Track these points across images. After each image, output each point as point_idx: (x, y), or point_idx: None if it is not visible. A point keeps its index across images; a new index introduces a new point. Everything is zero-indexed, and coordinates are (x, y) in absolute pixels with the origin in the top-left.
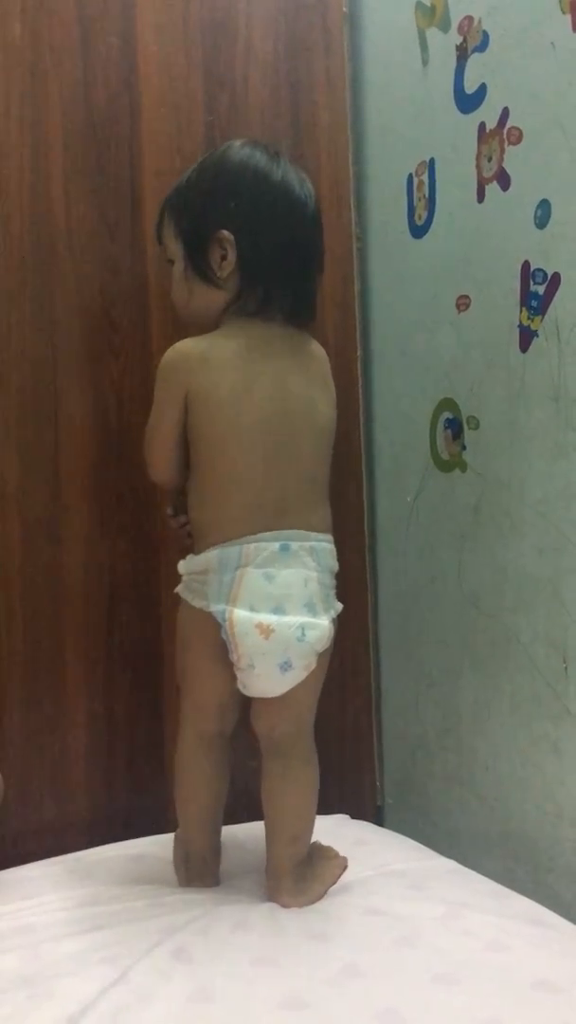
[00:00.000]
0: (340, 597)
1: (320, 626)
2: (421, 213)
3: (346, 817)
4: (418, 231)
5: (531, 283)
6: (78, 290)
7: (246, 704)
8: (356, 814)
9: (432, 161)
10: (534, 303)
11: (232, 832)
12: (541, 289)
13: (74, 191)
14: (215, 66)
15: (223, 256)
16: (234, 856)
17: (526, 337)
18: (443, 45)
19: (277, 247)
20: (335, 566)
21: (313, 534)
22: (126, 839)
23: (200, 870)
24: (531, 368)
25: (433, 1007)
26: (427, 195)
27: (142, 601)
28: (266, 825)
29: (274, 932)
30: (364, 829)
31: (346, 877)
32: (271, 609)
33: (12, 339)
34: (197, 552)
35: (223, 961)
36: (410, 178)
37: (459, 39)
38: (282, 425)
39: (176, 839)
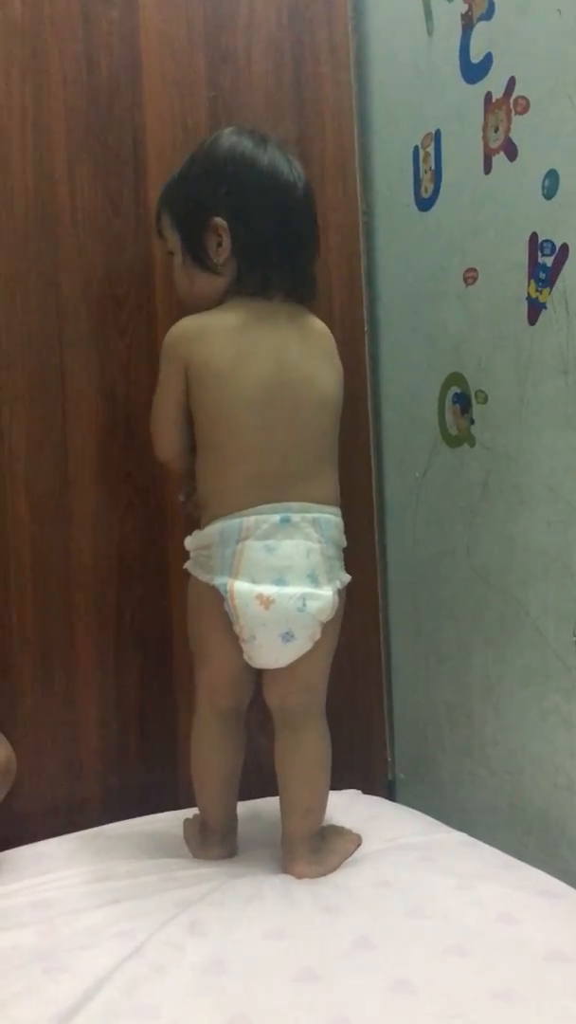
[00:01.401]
0: (349, 573)
1: (322, 596)
2: (427, 185)
3: (358, 792)
4: (424, 204)
5: (539, 255)
6: (83, 268)
7: (260, 680)
8: (368, 789)
9: (438, 132)
10: (542, 275)
11: (245, 807)
12: (549, 261)
13: (77, 168)
14: (217, 40)
15: (218, 243)
16: (247, 830)
17: (534, 310)
18: (448, 14)
19: (270, 229)
20: (341, 539)
21: (315, 506)
22: (139, 815)
23: (217, 841)
24: (539, 341)
25: (445, 978)
26: (433, 167)
27: (152, 578)
28: (280, 797)
29: (287, 905)
30: (376, 803)
31: (359, 851)
32: (272, 580)
33: (18, 318)
34: (202, 527)
35: (237, 934)
36: (416, 150)
37: (464, 7)
38: (282, 396)
39: (186, 821)
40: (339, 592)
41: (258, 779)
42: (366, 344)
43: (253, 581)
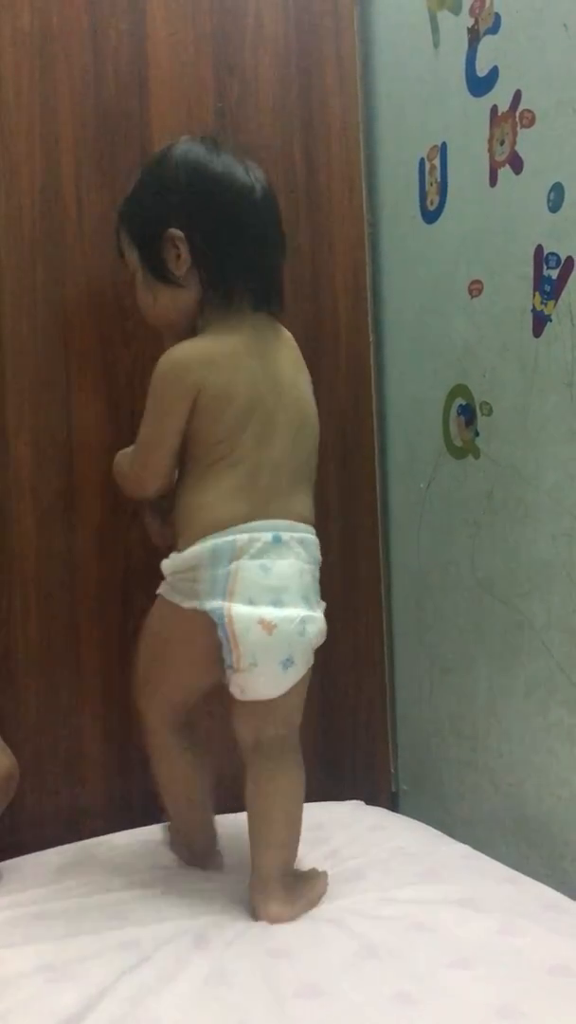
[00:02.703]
0: (354, 584)
1: (317, 620)
2: (433, 198)
3: (361, 803)
4: (430, 216)
5: (544, 267)
6: (89, 277)
7: (229, 711)
8: (371, 800)
9: (444, 145)
10: (547, 287)
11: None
12: (554, 273)
13: (84, 178)
14: (224, 51)
15: (177, 255)
16: (247, 840)
17: (539, 322)
18: (455, 27)
19: (228, 237)
20: (320, 559)
21: (300, 525)
22: (143, 825)
23: (203, 855)
24: (544, 353)
25: (448, 992)
26: (439, 179)
27: (156, 586)
28: (253, 832)
29: None
30: (379, 815)
31: (362, 862)
32: (270, 601)
33: (24, 326)
34: (182, 548)
35: (240, 947)
36: (422, 162)
37: (471, 21)
38: (274, 415)
39: (168, 828)
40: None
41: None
42: (371, 355)
43: (251, 603)
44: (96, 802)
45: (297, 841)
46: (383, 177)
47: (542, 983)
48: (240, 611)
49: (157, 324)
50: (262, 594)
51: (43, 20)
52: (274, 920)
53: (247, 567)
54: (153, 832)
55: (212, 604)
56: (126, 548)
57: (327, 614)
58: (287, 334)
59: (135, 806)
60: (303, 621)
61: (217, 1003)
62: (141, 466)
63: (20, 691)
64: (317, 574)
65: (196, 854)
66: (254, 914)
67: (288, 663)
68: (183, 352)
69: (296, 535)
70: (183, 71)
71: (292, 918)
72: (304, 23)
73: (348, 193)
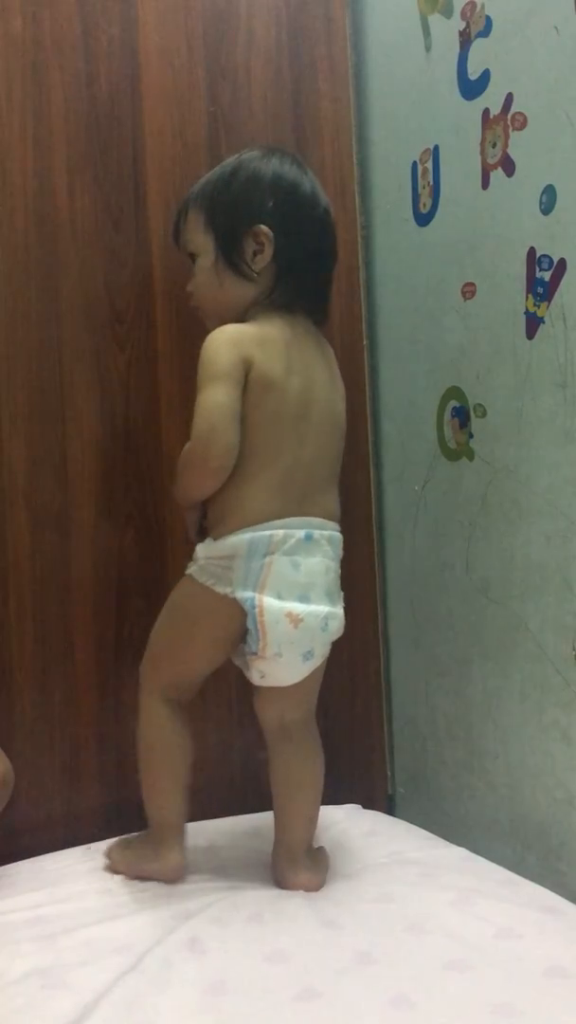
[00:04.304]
0: (349, 587)
1: (339, 616)
2: (425, 200)
3: (358, 807)
4: (423, 219)
5: (537, 269)
6: (83, 282)
7: (253, 696)
8: (368, 804)
9: (436, 148)
10: (540, 289)
11: (245, 820)
12: (547, 275)
13: (77, 183)
14: (217, 56)
15: (257, 251)
16: (245, 843)
17: (532, 324)
18: (446, 31)
19: (307, 247)
20: (342, 554)
21: (330, 523)
22: (138, 829)
23: (174, 844)
24: (538, 355)
25: (445, 994)
26: (431, 182)
27: (151, 590)
28: (281, 809)
29: (287, 919)
30: (376, 818)
31: (359, 866)
32: (297, 597)
33: (18, 332)
34: (217, 537)
35: (236, 950)
36: (414, 165)
37: (462, 24)
38: (310, 414)
39: (118, 844)
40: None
41: (255, 793)
42: (365, 358)
43: (279, 597)
44: (92, 807)
45: (318, 816)
46: (376, 180)
47: (539, 985)
48: (271, 603)
49: (208, 310)
50: (291, 590)
51: (35, 26)
52: (307, 888)
53: (280, 562)
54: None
55: (244, 594)
56: (120, 553)
57: None
58: (330, 348)
59: (131, 811)
60: (326, 617)
61: (214, 1009)
62: (211, 433)
63: (15, 696)
64: (339, 570)
65: (163, 843)
66: (283, 884)
67: (309, 655)
68: (236, 329)
69: (325, 533)
70: (175, 76)
71: (320, 886)
72: (296, 27)
73: (341, 196)
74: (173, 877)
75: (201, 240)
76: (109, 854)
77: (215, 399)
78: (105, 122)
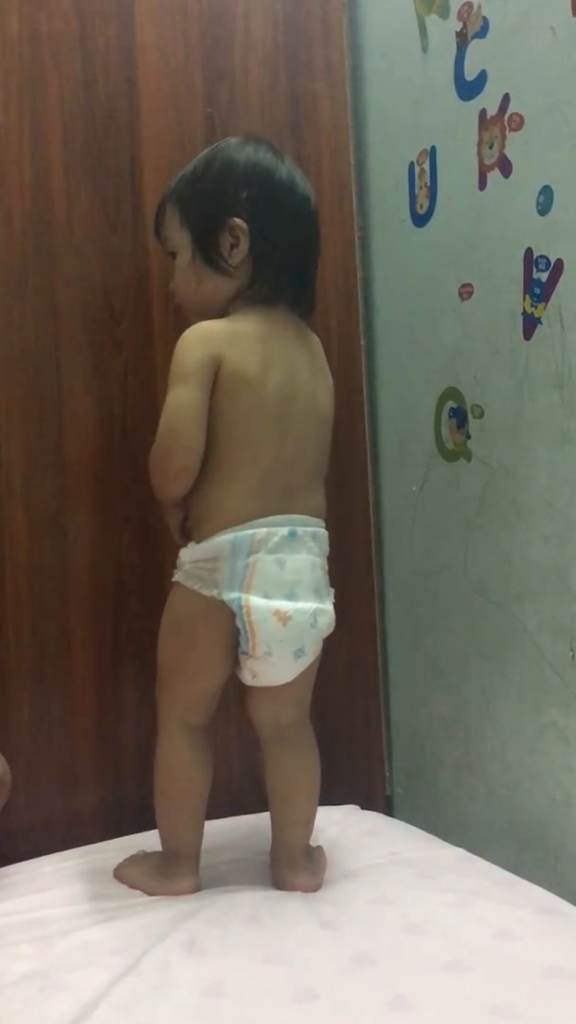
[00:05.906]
0: (347, 587)
1: (327, 612)
2: (423, 201)
3: (356, 807)
4: (420, 219)
5: (534, 270)
6: (80, 283)
7: (246, 696)
8: (366, 804)
9: (433, 149)
10: (537, 290)
11: (243, 821)
12: (544, 276)
13: (74, 184)
14: (214, 57)
15: (233, 244)
16: (244, 844)
17: (529, 324)
18: (443, 31)
19: (285, 238)
20: (328, 550)
21: (313, 519)
22: (136, 832)
23: (189, 870)
24: (535, 356)
25: (443, 995)
26: (428, 183)
27: (148, 592)
28: (277, 810)
29: (285, 920)
30: (374, 819)
31: (357, 866)
32: (284, 595)
33: (14, 333)
34: (199, 539)
35: (234, 951)
36: (411, 166)
37: (459, 25)
38: (291, 409)
39: (132, 861)
40: (333, 606)
41: (254, 794)
42: (363, 359)
43: (266, 596)
44: (89, 809)
45: (315, 817)
46: (373, 181)
47: (537, 985)
48: (257, 603)
49: (190, 307)
50: (277, 588)
51: (32, 27)
52: (305, 889)
53: (264, 561)
54: (146, 838)
55: (231, 595)
56: (118, 554)
57: None
58: (315, 338)
59: (129, 813)
60: (315, 613)
61: (212, 1011)
62: (169, 435)
63: (13, 698)
64: (327, 565)
65: (177, 869)
66: (281, 885)
67: (300, 653)
68: (207, 326)
69: (309, 529)
70: (172, 77)
71: (318, 887)
72: (293, 28)
73: (338, 197)
74: (187, 896)
75: (178, 238)
76: (118, 873)
77: (178, 400)
78: (102, 123)
